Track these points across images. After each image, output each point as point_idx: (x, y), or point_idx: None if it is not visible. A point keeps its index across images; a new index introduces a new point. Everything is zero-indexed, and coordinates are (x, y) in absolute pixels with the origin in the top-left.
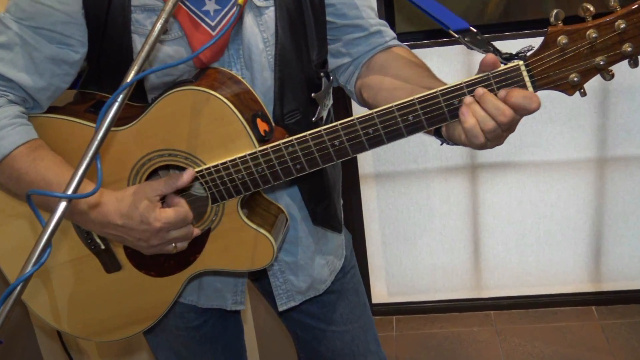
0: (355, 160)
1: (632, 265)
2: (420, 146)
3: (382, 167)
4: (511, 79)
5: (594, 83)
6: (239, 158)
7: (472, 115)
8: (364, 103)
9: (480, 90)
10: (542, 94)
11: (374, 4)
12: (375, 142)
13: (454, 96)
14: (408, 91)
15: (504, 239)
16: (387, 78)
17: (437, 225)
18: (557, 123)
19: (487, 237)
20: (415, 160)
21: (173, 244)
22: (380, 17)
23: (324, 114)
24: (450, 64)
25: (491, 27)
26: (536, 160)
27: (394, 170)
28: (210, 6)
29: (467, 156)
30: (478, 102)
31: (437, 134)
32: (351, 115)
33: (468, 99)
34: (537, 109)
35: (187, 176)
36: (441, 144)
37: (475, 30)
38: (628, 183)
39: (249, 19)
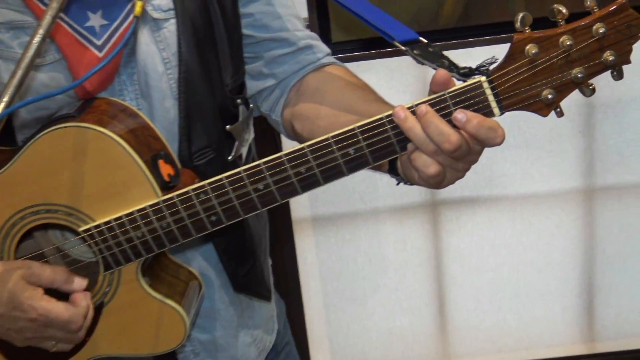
0: (286, 202)
1: (633, 320)
2: (368, 180)
3: (320, 209)
4: (472, 99)
5: (576, 97)
6: (137, 211)
7: (413, 117)
8: (295, 136)
9: (422, 109)
10: (514, 112)
11: (302, 12)
12: (309, 183)
13: None
14: (352, 120)
15: (475, 293)
16: (324, 104)
17: (392, 279)
18: (534, 147)
19: (455, 291)
20: (362, 198)
21: (53, 342)
22: (313, 27)
23: (244, 151)
24: (402, 79)
25: (448, 33)
26: (510, 193)
27: (336, 213)
28: (96, 21)
29: (427, 191)
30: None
31: (392, 170)
32: (280, 150)
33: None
34: (501, 143)
35: (77, 284)
36: (397, 184)
37: (425, 41)
38: (623, 217)
39: (144, 35)
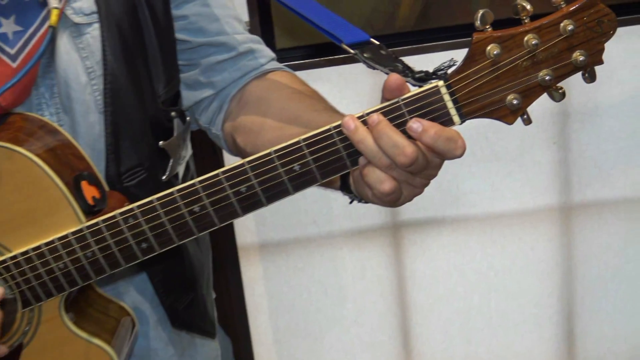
0: (230, 227)
1: (617, 350)
2: (321, 201)
3: (269, 234)
4: (429, 106)
5: (549, 105)
6: (59, 239)
7: (364, 127)
8: (237, 151)
9: (374, 118)
10: (482, 120)
11: (243, 14)
12: (250, 204)
13: None
14: (299, 132)
15: (442, 324)
16: (268, 115)
17: (351, 311)
18: (504, 160)
19: (420, 323)
20: (315, 221)
21: None
22: (254, 32)
23: (180, 170)
24: (356, 87)
25: (405, 37)
26: (479, 213)
27: (286, 238)
28: (8, 27)
29: (387, 212)
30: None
31: (345, 187)
32: (223, 166)
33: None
34: (462, 154)
35: None
36: (350, 202)
37: (377, 42)
38: (603, 237)
39: (64, 42)
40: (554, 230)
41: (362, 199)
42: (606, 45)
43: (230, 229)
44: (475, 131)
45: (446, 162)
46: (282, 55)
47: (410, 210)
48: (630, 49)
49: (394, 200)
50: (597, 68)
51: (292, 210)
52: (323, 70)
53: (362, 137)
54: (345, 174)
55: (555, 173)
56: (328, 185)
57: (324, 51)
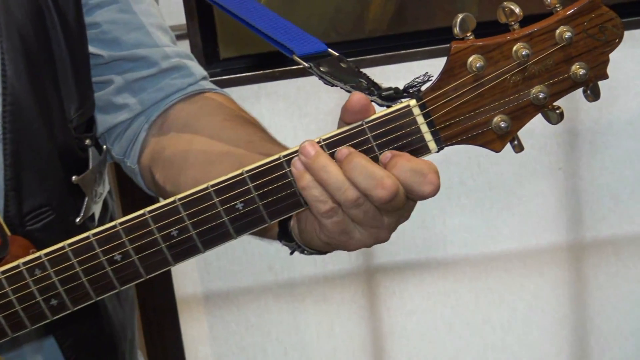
0: (167, 274)
1: None
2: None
3: (215, 283)
4: (398, 131)
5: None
6: None
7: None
8: (156, 189)
9: (344, 151)
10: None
11: (179, 16)
12: (183, 250)
13: None
14: (233, 166)
15: None
16: (194, 146)
17: None
18: (500, 191)
19: None
20: (272, 266)
21: None
22: (194, 40)
23: (96, 210)
24: (318, 104)
25: (376, 42)
26: (471, 254)
27: (236, 287)
28: None
29: (359, 254)
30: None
31: (284, 233)
32: (153, 203)
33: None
34: (431, 194)
35: None
36: (291, 253)
37: (336, 54)
38: (621, 281)
39: None
40: (562, 274)
41: (306, 248)
42: (620, 51)
43: (167, 277)
44: (465, 155)
45: None
46: (228, 66)
47: (387, 251)
48: None
49: (345, 242)
50: (610, 77)
51: (243, 253)
52: (278, 83)
53: (324, 165)
54: (284, 219)
55: (562, 205)
56: (264, 234)
57: (279, 60)
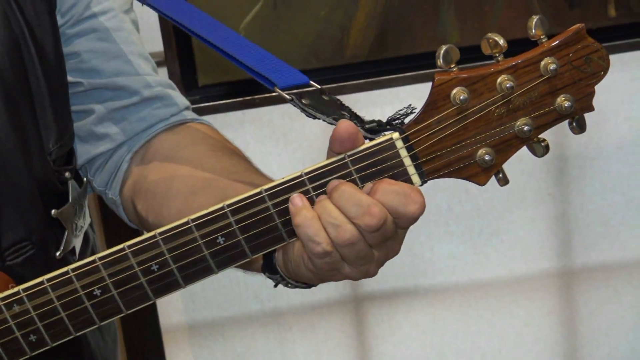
0: (152, 304)
1: None
2: None
3: (200, 312)
4: (381, 164)
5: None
6: None
7: (309, 210)
8: (139, 221)
9: (334, 182)
10: None
11: (156, 44)
12: (163, 285)
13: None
14: (217, 197)
15: None
16: (177, 177)
17: None
18: (489, 216)
19: None
20: (258, 295)
21: None
22: (172, 68)
23: (77, 243)
24: (303, 130)
25: (357, 68)
26: (460, 282)
27: (222, 317)
28: None
29: (346, 283)
30: (330, 200)
31: (268, 265)
32: (135, 237)
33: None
34: (417, 213)
35: None
36: (275, 285)
37: (318, 86)
38: (613, 308)
39: None
40: (553, 301)
41: (290, 281)
42: (609, 74)
43: (151, 307)
44: (453, 181)
45: (418, 220)
46: (207, 94)
47: (375, 279)
48: (639, 78)
49: (333, 274)
50: (599, 102)
51: (228, 281)
52: (262, 110)
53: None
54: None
55: (552, 231)
56: (247, 266)
57: (258, 87)
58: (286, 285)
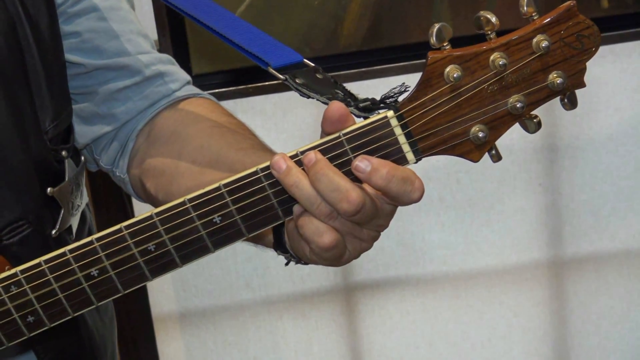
0: (143, 292)
1: None
2: (256, 259)
3: (191, 301)
4: (376, 142)
5: (532, 138)
6: None
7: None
8: (148, 199)
9: (310, 156)
10: (451, 159)
11: (151, 32)
12: (161, 265)
13: None
14: (225, 174)
15: None
16: (184, 155)
17: None
18: (479, 207)
19: None
20: (249, 284)
21: None
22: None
23: (74, 223)
24: (296, 120)
25: (350, 58)
26: (451, 271)
27: (214, 305)
28: None
29: (337, 272)
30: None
31: (279, 244)
32: (132, 216)
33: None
34: (419, 199)
35: None
36: (286, 264)
37: (312, 64)
38: (602, 298)
39: None
40: (542, 291)
41: (301, 259)
42: (601, 65)
43: (143, 295)
44: (444, 171)
45: (409, 210)
46: (201, 82)
47: (365, 269)
48: (630, 69)
49: (336, 257)
50: (590, 93)
51: (220, 270)
52: (254, 99)
53: (296, 180)
54: (279, 228)
55: (542, 221)
56: (257, 241)
57: (254, 76)
58: (297, 262)
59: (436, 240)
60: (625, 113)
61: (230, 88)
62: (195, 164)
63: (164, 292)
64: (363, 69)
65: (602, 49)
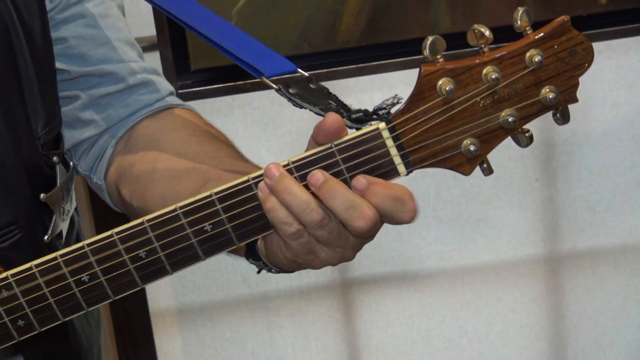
0: (142, 290)
1: None
2: None
3: (189, 296)
4: (367, 154)
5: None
6: None
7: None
8: (123, 206)
9: (319, 175)
10: None
11: (149, 28)
12: (151, 272)
13: None
14: (199, 182)
15: None
16: (160, 162)
17: None
18: (476, 203)
19: None
20: (246, 280)
21: None
22: (164, 52)
23: (64, 227)
24: (292, 117)
25: (349, 54)
26: (447, 267)
27: (211, 301)
28: None
29: (335, 267)
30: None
31: (250, 252)
32: (126, 222)
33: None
34: (411, 220)
35: None
36: (258, 272)
37: (306, 74)
38: (599, 294)
39: None
40: (539, 287)
41: (274, 267)
42: (597, 61)
43: (140, 292)
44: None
45: None
46: (199, 78)
47: (363, 264)
48: (626, 65)
49: (319, 260)
50: (587, 88)
51: (217, 267)
52: (252, 95)
53: (288, 187)
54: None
55: (538, 217)
56: (232, 249)
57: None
58: (269, 271)
59: (433, 236)
60: (622, 109)
61: (228, 84)
62: (171, 170)
63: (162, 288)
64: (361, 65)
65: (599, 45)
